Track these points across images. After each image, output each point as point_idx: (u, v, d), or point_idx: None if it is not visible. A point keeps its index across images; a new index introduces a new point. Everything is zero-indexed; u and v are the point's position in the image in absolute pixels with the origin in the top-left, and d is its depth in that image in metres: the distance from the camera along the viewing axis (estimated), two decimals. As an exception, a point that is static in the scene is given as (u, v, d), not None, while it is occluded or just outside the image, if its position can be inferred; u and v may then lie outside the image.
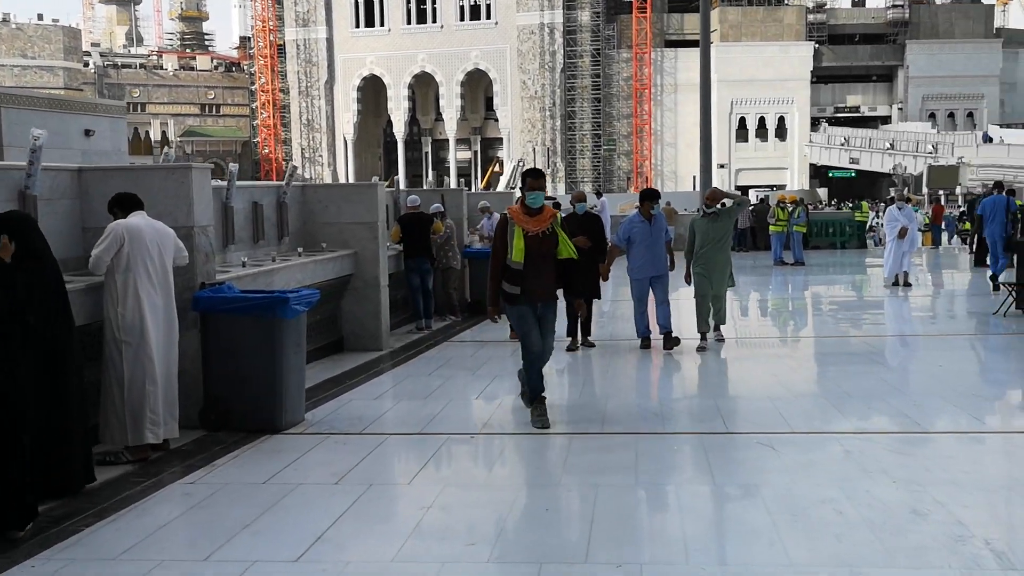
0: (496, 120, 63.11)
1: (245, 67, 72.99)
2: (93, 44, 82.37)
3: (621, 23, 61.84)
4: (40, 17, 70.35)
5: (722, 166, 55.87)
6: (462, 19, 61.67)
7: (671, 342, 9.97)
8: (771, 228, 22.23)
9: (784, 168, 61.19)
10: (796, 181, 59.61)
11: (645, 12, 60.21)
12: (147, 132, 67.42)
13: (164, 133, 67.67)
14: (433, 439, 6.46)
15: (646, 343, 10.15)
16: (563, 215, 18.02)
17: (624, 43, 61.60)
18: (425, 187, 23.08)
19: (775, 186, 54.15)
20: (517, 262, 6.58)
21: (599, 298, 10.35)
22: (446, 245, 12.50)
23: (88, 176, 7.02)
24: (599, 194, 28.79)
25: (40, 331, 5.04)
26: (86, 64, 71.66)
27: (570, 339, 10.18)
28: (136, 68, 73.68)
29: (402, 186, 13.26)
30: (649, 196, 10.05)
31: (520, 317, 6.80)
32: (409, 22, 62.29)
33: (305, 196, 10.39)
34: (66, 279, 6.19)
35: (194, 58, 78.84)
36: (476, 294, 13.61)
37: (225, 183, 8.74)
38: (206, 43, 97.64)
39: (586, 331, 10.40)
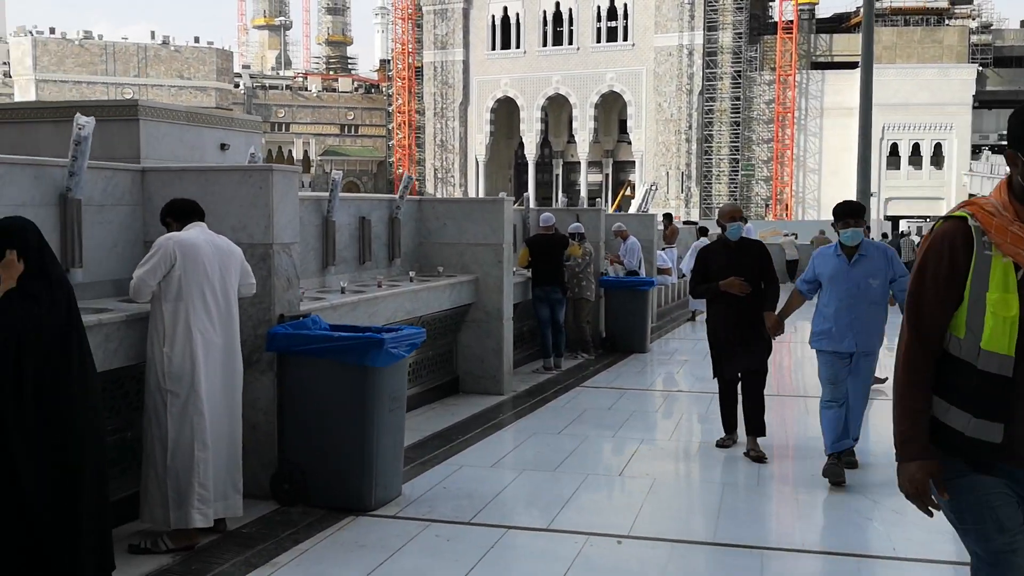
0: (629, 143, 61.36)
1: (384, 89, 73.90)
2: (244, 66, 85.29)
3: (764, 44, 59.16)
4: (197, 40, 73.05)
5: (871, 194, 52.33)
6: (598, 41, 60.37)
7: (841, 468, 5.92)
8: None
9: (939, 198, 56.90)
10: (953, 213, 55.23)
11: (791, 33, 57.42)
12: (290, 151, 68.84)
13: (306, 152, 68.93)
14: (566, 540, 4.78)
15: (838, 474, 5.79)
16: (706, 241, 16.41)
17: (767, 65, 58.87)
18: (558, 205, 21.59)
19: (928, 217, 50.29)
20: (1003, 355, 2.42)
21: (763, 371, 6.60)
22: (582, 272, 10.87)
23: (152, 178, 5.74)
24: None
25: (45, 381, 3.68)
26: (237, 85, 74.01)
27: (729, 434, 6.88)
28: (282, 89, 75.70)
29: (531, 204, 11.61)
30: (850, 212, 5.90)
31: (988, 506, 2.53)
32: (545, 44, 61.44)
33: (421, 212, 8.97)
34: (105, 308, 4.89)
35: (336, 80, 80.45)
36: (612, 330, 11.91)
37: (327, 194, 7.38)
38: (349, 66, 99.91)
39: (756, 427, 6.51)
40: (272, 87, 76.14)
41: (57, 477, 3.71)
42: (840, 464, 5.85)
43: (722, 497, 5.56)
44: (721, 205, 52.86)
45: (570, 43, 61.08)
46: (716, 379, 6.82)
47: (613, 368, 10.61)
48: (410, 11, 65.81)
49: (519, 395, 8.81)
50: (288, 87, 76.53)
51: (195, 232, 4.76)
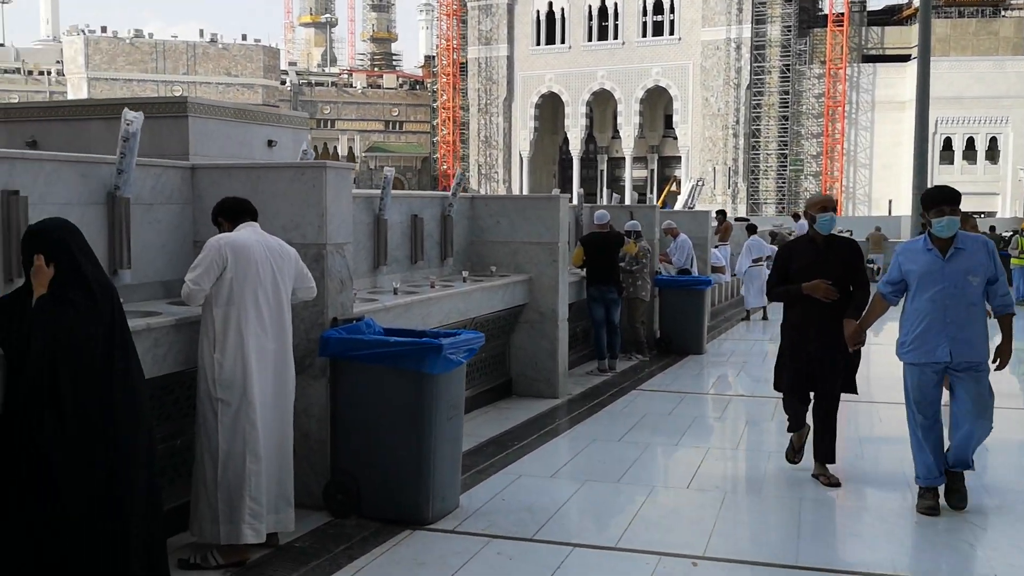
0: (675, 138, 60.67)
1: (428, 85, 73.99)
2: (291, 63, 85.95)
3: (814, 37, 58.05)
4: (244, 38, 73.69)
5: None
6: (644, 35, 59.75)
7: (955, 495, 5.30)
8: (1013, 262, 18.87)
9: (994, 194, 55.47)
10: (1008, 208, 53.84)
11: (841, 25, 56.26)
12: (335, 147, 69.17)
13: (351, 148, 69.23)
14: (638, 561, 4.48)
15: (932, 503, 5.22)
16: (758, 239, 15.89)
17: (817, 58, 57.76)
18: (608, 203, 21.09)
19: (983, 213, 48.97)
20: None
21: (839, 393, 5.83)
22: (638, 272, 10.54)
23: (202, 175, 5.55)
24: (797, 216, 25.81)
25: (84, 388, 3.49)
26: (283, 82, 74.60)
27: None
28: (328, 86, 76.16)
29: (574, 201, 11.18)
30: (945, 198, 5.13)
31: None
32: (590, 39, 60.96)
33: (474, 209, 8.71)
34: (153, 311, 4.69)
35: (381, 76, 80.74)
36: (667, 330, 11.56)
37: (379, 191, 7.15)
38: (393, 63, 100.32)
39: (825, 453, 5.83)
40: (318, 84, 76.60)
41: (100, 488, 3.53)
42: (934, 499, 5.20)
43: (800, 514, 5.22)
44: (764, 203, 50.96)
45: (615, 38, 60.53)
46: (781, 394, 6.01)
47: (670, 370, 10.27)
48: (455, 7, 65.67)
49: (574, 398, 8.52)
50: (333, 84, 76.96)
51: (247, 233, 4.54)
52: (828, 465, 5.83)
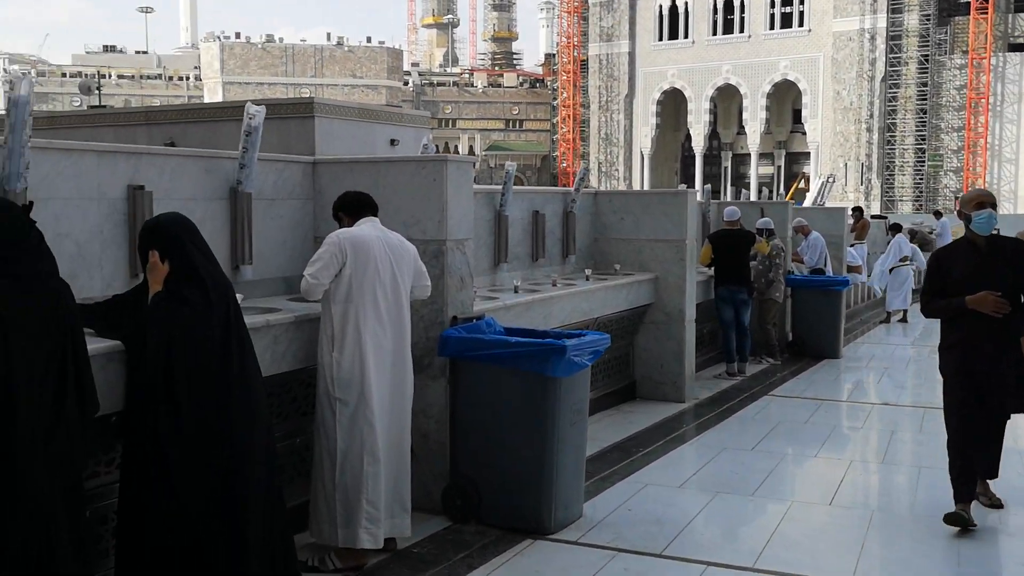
0: (803, 133, 58.59)
1: (548, 83, 74.02)
2: (413, 64, 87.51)
3: (955, 26, 54.97)
4: (369, 40, 75.44)
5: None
6: (771, 28, 57.96)
7: None
8: None
9: None
10: None
11: (985, 13, 53.05)
12: (456, 146, 70.04)
13: (471, 147, 69.93)
14: (776, 585, 4.13)
15: None
16: (903, 238, 14.97)
17: (958, 48, 54.69)
18: (736, 199, 20.28)
19: None
20: None
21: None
22: (770, 271, 10.02)
23: (323, 170, 5.47)
24: (939, 213, 24.43)
25: (200, 387, 3.41)
26: (406, 83, 76.01)
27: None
28: (449, 86, 77.19)
29: (701, 198, 10.64)
30: None
31: None
32: (714, 33, 59.58)
33: (597, 206, 8.43)
34: (273, 307, 4.62)
35: (502, 75, 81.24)
36: (800, 332, 10.98)
37: (501, 188, 6.96)
38: (514, 62, 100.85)
39: (988, 468, 5.12)
40: (439, 84, 77.70)
41: (217, 486, 3.43)
42: None
43: (959, 539, 4.73)
44: (900, 200, 48.60)
45: (741, 31, 58.96)
46: (947, 422, 5.01)
47: (803, 375, 9.73)
48: (576, 4, 65.37)
49: (701, 403, 8.13)
50: (455, 84, 77.90)
51: (367, 228, 4.41)
52: (990, 481, 5.23)
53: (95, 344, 3.49)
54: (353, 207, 4.50)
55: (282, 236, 5.31)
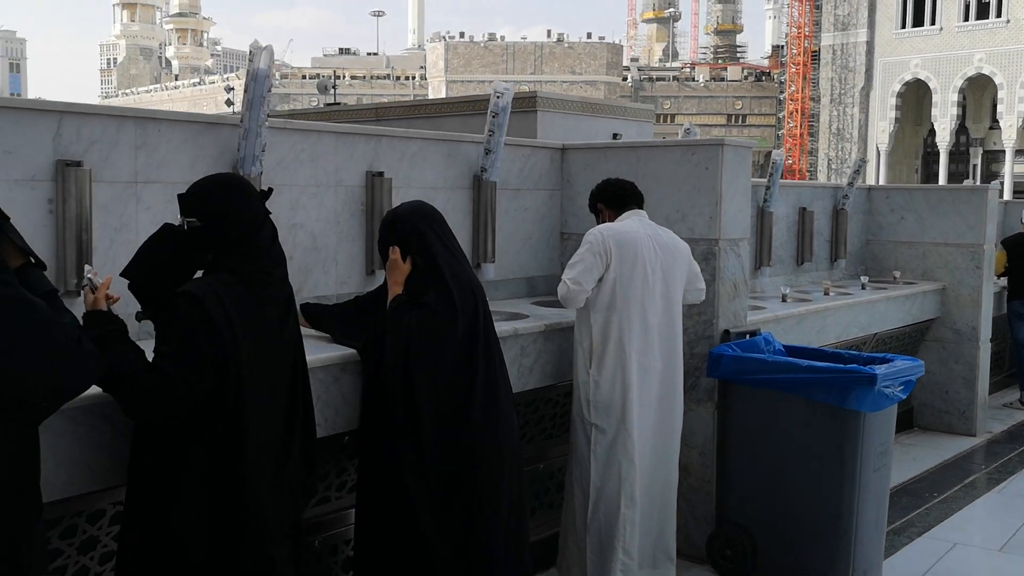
0: (1070, 127, 52.57)
1: (775, 76, 70.95)
2: (632, 59, 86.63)
3: None
4: (588, 36, 75.37)
5: None
6: (1034, 10, 52.34)
7: None
8: None
9: None
10: None
11: None
12: (673, 142, 68.64)
13: (689, 144, 68.31)
14: None
15: None
16: None
17: None
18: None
19: None
20: None
21: None
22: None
23: (573, 158, 4.82)
24: None
25: (443, 405, 2.85)
26: (625, 79, 75.33)
27: None
28: (669, 81, 75.72)
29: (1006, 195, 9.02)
30: None
31: None
32: (966, 18, 54.56)
33: (871, 202, 7.31)
34: (519, 312, 4.03)
35: (725, 69, 78.73)
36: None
37: (766, 183, 6.07)
38: (737, 55, 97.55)
39: None
40: (659, 79, 76.28)
41: (463, 516, 2.87)
42: None
43: None
44: None
45: (998, 16, 53.66)
46: None
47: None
48: (808, -8, 62.15)
49: (995, 438, 6.85)
50: (675, 78, 76.22)
51: (633, 223, 3.70)
52: None
53: (328, 353, 3.02)
54: (616, 198, 3.80)
55: (526, 231, 4.72)
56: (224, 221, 2.37)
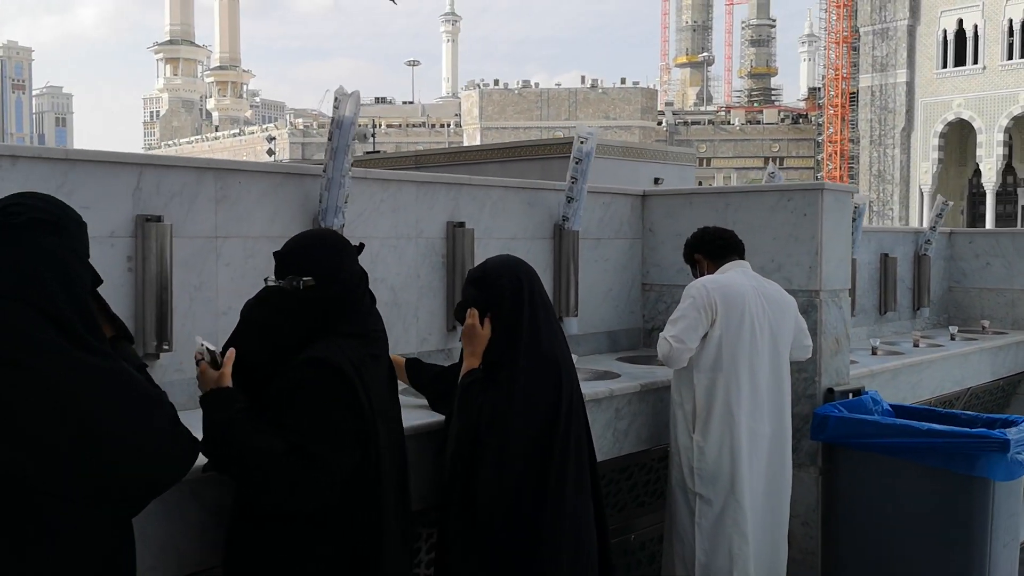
0: (1120, 166, 51.58)
1: (812, 118, 70.62)
2: (667, 104, 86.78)
3: None
4: (623, 81, 75.69)
5: None
6: (1079, 48, 51.71)
7: None
8: None
9: None
10: None
11: None
12: (711, 185, 68.34)
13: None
14: None
15: None
16: None
17: None
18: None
19: None
20: None
21: None
22: None
23: (655, 205, 4.59)
24: None
25: (520, 490, 2.54)
26: (659, 123, 75.42)
27: None
28: (704, 124, 75.68)
29: None
30: None
31: None
32: (1010, 56, 53.99)
33: (952, 247, 6.99)
34: (609, 371, 3.77)
35: (760, 112, 78.57)
36: None
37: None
38: (772, 97, 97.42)
39: None
40: (694, 123, 76.27)
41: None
42: None
43: None
44: None
45: (1042, 53, 53.12)
46: None
47: None
48: (845, 34, 61.98)
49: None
50: (710, 122, 76.16)
51: (737, 275, 3.44)
52: None
53: (426, 419, 2.77)
54: (716, 248, 3.55)
55: (607, 282, 4.48)
56: (334, 280, 2.14)
